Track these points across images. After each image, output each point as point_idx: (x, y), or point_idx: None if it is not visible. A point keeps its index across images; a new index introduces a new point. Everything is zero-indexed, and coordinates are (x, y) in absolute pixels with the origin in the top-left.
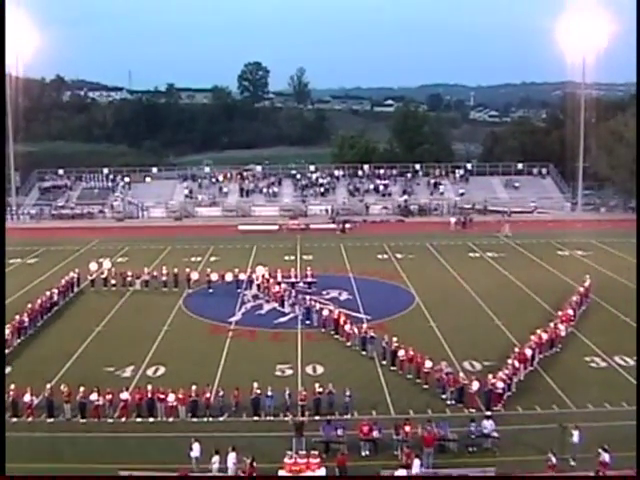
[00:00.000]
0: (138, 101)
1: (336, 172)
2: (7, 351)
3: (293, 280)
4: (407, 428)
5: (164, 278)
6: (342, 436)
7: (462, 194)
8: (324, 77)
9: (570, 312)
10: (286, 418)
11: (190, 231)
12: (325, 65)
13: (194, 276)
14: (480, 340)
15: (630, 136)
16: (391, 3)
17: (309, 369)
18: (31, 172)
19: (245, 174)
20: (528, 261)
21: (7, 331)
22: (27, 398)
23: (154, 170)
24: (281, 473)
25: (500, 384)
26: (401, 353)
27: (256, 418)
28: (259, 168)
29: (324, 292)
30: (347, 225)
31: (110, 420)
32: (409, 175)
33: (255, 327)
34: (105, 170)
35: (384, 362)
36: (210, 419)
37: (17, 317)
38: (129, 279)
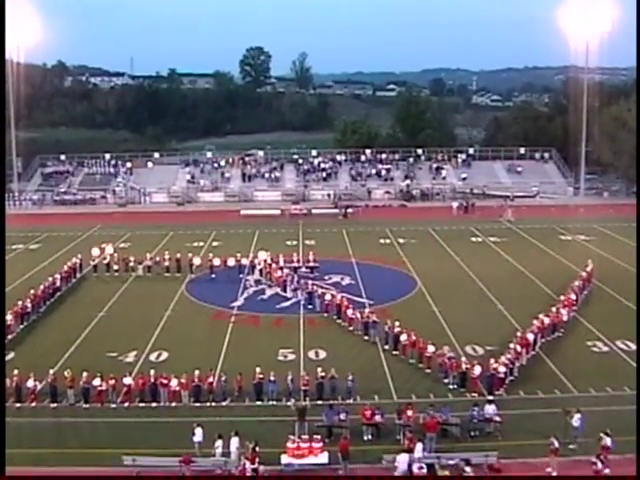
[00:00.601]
0: (140, 86)
1: (338, 157)
2: (10, 337)
3: (295, 265)
4: (409, 413)
5: (166, 263)
6: (345, 421)
7: (464, 179)
8: (326, 62)
9: (572, 297)
10: (289, 403)
11: (192, 216)
12: (327, 50)
13: (196, 261)
14: (482, 325)
15: (633, 121)
16: None
17: (311, 354)
18: (33, 158)
19: (247, 159)
20: (530, 246)
21: (10, 317)
22: (30, 384)
23: (156, 155)
24: (284, 458)
25: (502, 369)
26: (403, 338)
27: (259, 403)
28: (261, 153)
29: (326, 277)
30: (349, 210)
31: (113, 405)
32: (411, 160)
33: (257, 312)
34: (107, 156)
35: (386, 347)
36: (213, 404)
37: (20, 303)
38: (131, 264)
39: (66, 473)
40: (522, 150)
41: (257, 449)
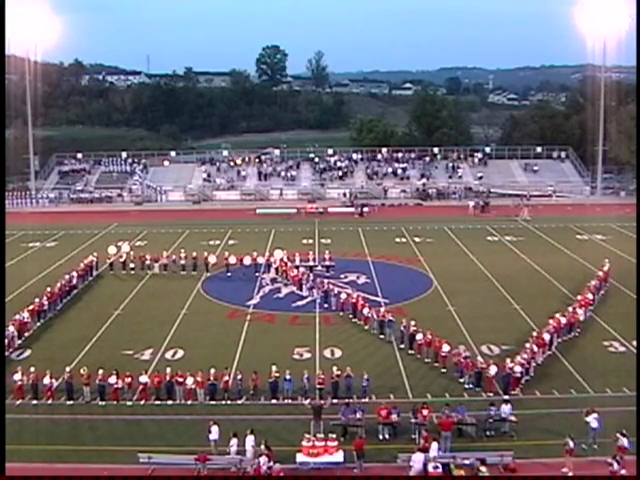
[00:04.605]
0: (156, 85)
1: (354, 156)
2: (27, 334)
3: (311, 264)
4: (425, 412)
5: (182, 262)
6: (360, 419)
7: (480, 178)
8: (342, 61)
9: (589, 296)
10: (304, 401)
11: (208, 215)
12: (343, 48)
13: (212, 260)
14: (498, 324)
15: None
16: None
17: (327, 352)
18: (50, 156)
19: (263, 158)
20: (547, 245)
21: (26, 314)
22: (47, 381)
23: (172, 154)
24: (299, 456)
25: (518, 368)
26: (419, 337)
27: (274, 401)
28: (277, 152)
29: (342, 276)
30: (365, 209)
31: (129, 403)
32: (427, 159)
33: (273, 311)
34: (124, 154)
35: (402, 346)
36: (228, 402)
37: (36, 300)
38: (148, 263)
39: (81, 470)
40: (539, 149)
41: (269, 449)
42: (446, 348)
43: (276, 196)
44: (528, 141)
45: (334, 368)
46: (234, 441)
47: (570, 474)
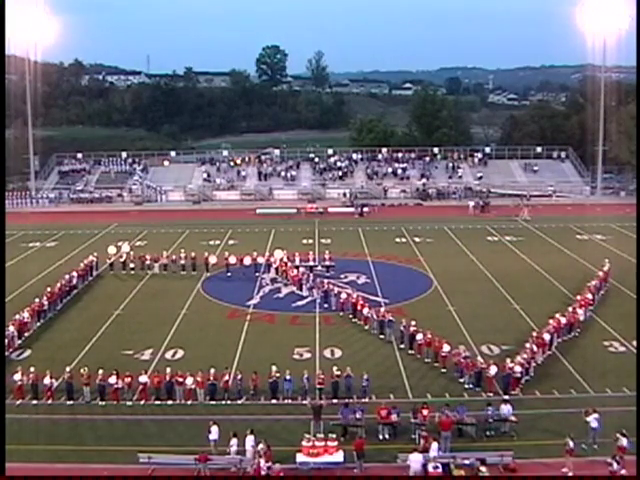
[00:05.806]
0: (156, 85)
1: (354, 156)
2: (27, 334)
3: (311, 264)
4: (425, 412)
5: (182, 262)
6: (360, 419)
7: (480, 178)
8: (342, 61)
9: (589, 296)
10: (304, 402)
11: (208, 215)
12: (343, 49)
13: (212, 260)
14: (498, 324)
15: None
16: None
17: (327, 353)
18: (50, 156)
19: (263, 158)
20: (547, 245)
21: (26, 314)
22: (47, 381)
23: (172, 154)
24: (299, 456)
25: (518, 368)
26: (419, 337)
27: (274, 401)
28: (277, 152)
29: (342, 276)
30: (365, 209)
31: (129, 403)
32: (427, 159)
33: (273, 311)
34: (124, 154)
35: (402, 346)
36: (228, 402)
37: (37, 300)
38: (148, 263)
39: (81, 470)
40: (539, 149)
41: (269, 449)
42: (446, 348)
43: (276, 196)
44: (528, 141)
45: (334, 368)
46: (234, 441)
47: (570, 474)
